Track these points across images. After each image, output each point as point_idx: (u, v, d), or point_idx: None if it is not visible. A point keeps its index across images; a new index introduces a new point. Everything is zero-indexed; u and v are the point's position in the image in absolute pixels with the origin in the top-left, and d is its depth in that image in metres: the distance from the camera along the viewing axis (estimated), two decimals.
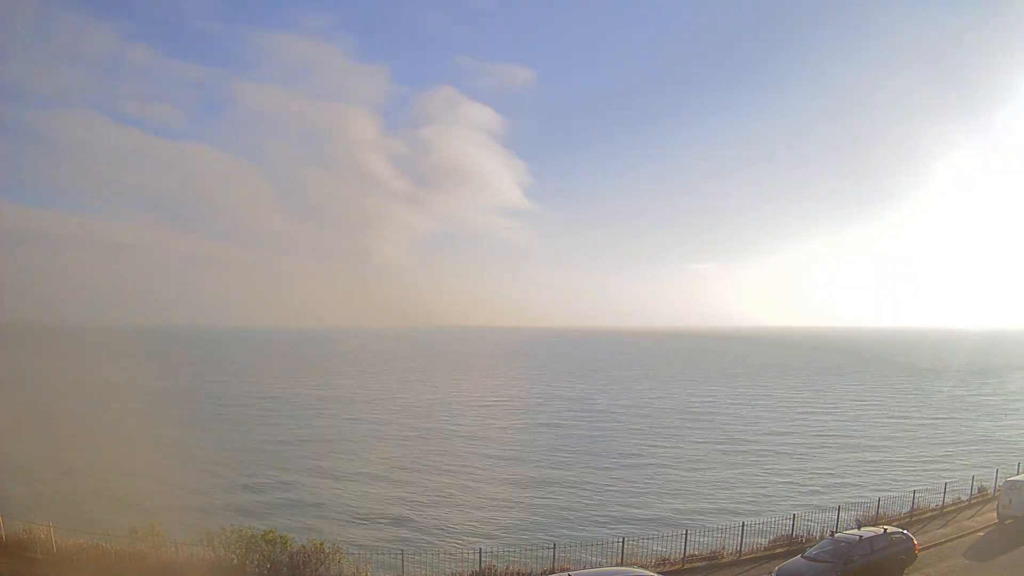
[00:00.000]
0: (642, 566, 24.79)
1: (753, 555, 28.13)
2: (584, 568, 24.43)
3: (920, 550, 26.10)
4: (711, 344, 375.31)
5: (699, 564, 27.14)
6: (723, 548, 28.28)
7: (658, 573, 23.56)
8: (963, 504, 35.67)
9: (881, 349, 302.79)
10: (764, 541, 29.35)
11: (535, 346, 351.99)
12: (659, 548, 27.97)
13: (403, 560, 24.67)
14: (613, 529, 40.09)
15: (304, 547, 23.81)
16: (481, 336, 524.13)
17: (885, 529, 25.37)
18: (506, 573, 25.30)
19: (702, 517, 42.42)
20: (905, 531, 26.10)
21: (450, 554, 27.99)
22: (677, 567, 26.70)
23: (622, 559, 26.31)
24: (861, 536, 24.34)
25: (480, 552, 25.38)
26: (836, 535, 25.16)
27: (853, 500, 37.57)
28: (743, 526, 28.18)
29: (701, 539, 28.19)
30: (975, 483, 37.25)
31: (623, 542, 26.68)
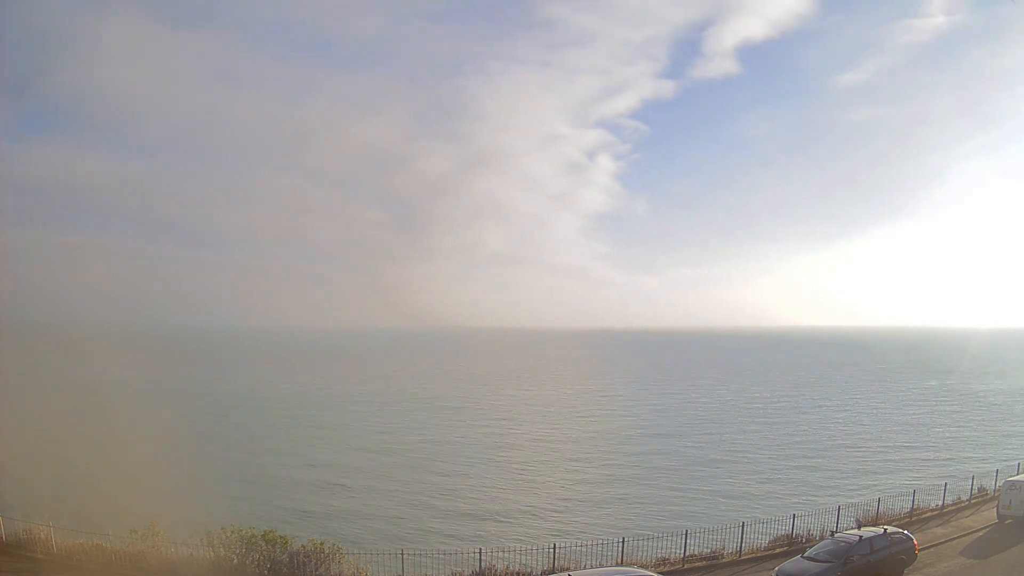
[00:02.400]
0: (642, 566, 24.75)
1: (753, 555, 28.12)
2: (584, 568, 24.41)
3: (920, 550, 26.06)
4: (724, 344, 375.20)
5: (699, 564, 27.12)
6: (723, 548, 28.25)
7: (658, 573, 23.54)
8: (963, 504, 35.62)
9: (889, 348, 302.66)
10: (764, 541, 29.32)
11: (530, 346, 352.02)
12: (659, 548, 27.93)
13: (403, 560, 24.64)
14: (613, 529, 40.08)
15: (304, 547, 23.77)
16: (477, 337, 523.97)
17: (885, 529, 25.35)
18: (506, 573, 25.28)
19: (702, 517, 42.41)
20: (905, 531, 26.08)
21: (450, 554, 27.92)
22: (677, 567, 26.68)
23: (622, 559, 26.28)
24: (861, 536, 24.32)
25: (480, 552, 25.37)
26: (836, 535, 25.17)
27: (853, 500, 37.52)
28: (743, 526, 28.16)
29: (701, 539, 28.16)
30: (975, 483, 37.19)
31: (623, 542, 26.66)
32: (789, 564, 23.76)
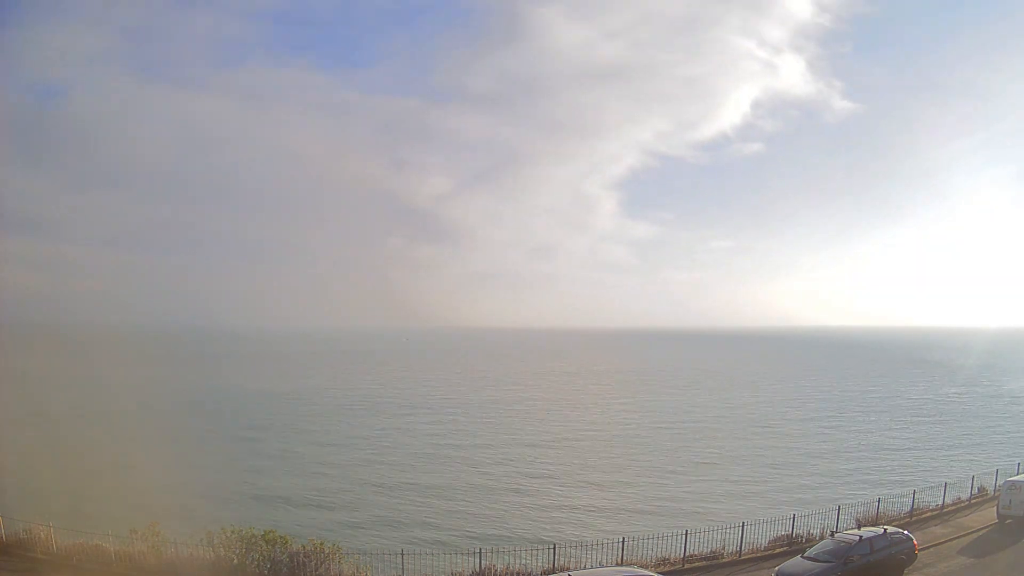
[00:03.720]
0: (642, 566, 24.73)
1: (753, 555, 28.11)
2: (584, 568, 24.39)
3: (920, 550, 26.06)
4: (721, 343, 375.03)
5: (699, 564, 27.11)
6: (723, 548, 28.25)
7: (658, 573, 23.54)
8: (963, 504, 35.62)
9: (892, 348, 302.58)
10: (764, 541, 29.30)
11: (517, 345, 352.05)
12: (659, 548, 27.92)
13: (403, 560, 24.63)
14: (613, 529, 40.07)
15: (304, 547, 23.77)
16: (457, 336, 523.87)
17: (885, 529, 25.36)
18: (506, 573, 25.26)
19: (702, 517, 42.40)
20: (905, 531, 26.08)
21: (450, 554, 27.95)
22: (677, 567, 26.66)
23: (622, 559, 26.25)
24: (861, 536, 24.33)
25: (480, 552, 25.36)
26: (836, 535, 25.16)
27: (853, 500, 37.51)
28: (743, 526, 28.14)
29: (701, 539, 28.14)
30: (975, 483, 37.19)
31: (623, 542, 26.62)
32: (789, 564, 23.76)
